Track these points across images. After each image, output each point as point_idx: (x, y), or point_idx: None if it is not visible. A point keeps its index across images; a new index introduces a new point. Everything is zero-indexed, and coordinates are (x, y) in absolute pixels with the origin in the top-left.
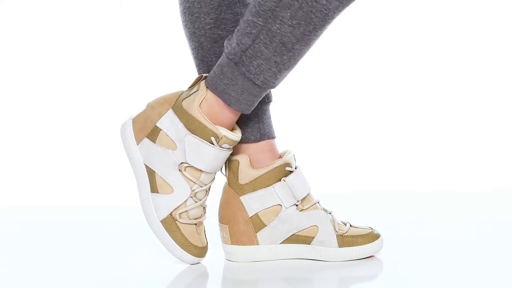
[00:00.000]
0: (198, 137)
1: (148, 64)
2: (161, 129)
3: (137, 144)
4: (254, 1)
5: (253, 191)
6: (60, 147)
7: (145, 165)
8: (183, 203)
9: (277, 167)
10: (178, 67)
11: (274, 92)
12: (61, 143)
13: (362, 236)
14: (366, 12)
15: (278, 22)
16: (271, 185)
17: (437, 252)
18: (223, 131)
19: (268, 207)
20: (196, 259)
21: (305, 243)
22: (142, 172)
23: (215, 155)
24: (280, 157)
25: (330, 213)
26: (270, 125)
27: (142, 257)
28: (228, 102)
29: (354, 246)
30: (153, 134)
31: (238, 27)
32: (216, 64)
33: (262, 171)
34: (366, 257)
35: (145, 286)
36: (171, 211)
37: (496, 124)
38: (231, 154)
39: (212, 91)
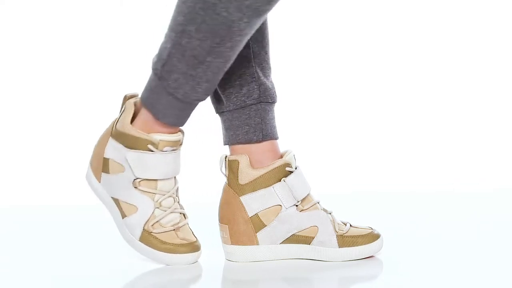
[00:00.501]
0: (137, 150)
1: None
2: (108, 159)
3: (99, 182)
4: (172, 15)
5: (253, 191)
6: (59, 147)
7: (111, 197)
8: (151, 216)
9: (277, 167)
10: None
11: (280, 92)
12: (60, 143)
13: (362, 236)
14: (366, 12)
15: (186, 36)
16: (271, 185)
17: (437, 253)
18: (158, 136)
19: (268, 207)
20: (189, 256)
21: (305, 243)
22: (111, 205)
23: (160, 160)
24: (281, 157)
25: (330, 213)
26: (273, 126)
27: (141, 258)
28: (156, 116)
29: (354, 246)
30: (105, 166)
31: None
32: (148, 79)
33: (262, 171)
34: (366, 257)
35: (145, 287)
36: (143, 227)
37: (496, 124)
38: (231, 154)
39: (143, 105)
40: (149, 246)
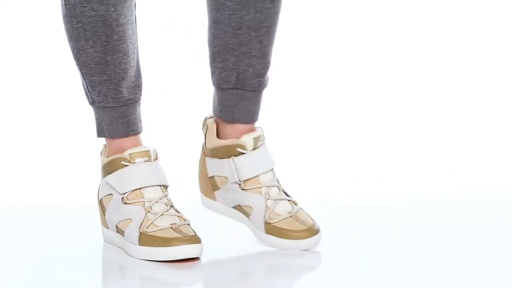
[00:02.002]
0: (114, 171)
1: (149, 64)
2: (101, 199)
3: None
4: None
5: (212, 157)
6: (59, 147)
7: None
8: (144, 219)
9: (229, 145)
10: (178, 67)
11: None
12: (59, 143)
13: (290, 230)
14: (367, 12)
15: (82, 52)
16: (222, 158)
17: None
18: (127, 151)
19: (219, 175)
20: (188, 248)
21: (246, 216)
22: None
23: (136, 170)
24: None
25: (296, 204)
26: (249, 111)
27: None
28: (108, 136)
29: (277, 236)
30: (102, 207)
31: None
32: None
33: (218, 144)
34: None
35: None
36: (139, 230)
37: (498, 128)
38: (210, 117)
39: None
40: (146, 245)
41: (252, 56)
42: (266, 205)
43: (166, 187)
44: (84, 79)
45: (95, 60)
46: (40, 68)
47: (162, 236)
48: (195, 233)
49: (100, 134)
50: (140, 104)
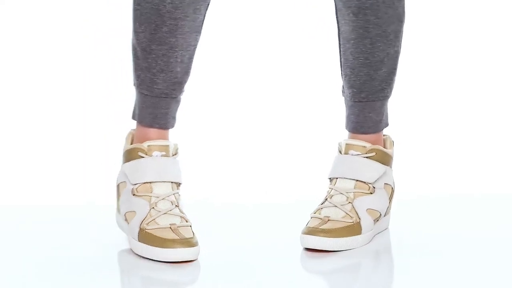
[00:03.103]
0: (132, 160)
1: None
2: (118, 185)
3: (120, 213)
4: None
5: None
6: (58, 147)
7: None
8: (147, 215)
9: (130, 149)
10: None
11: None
12: (58, 143)
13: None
14: None
15: (134, 34)
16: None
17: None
18: (146, 143)
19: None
20: (182, 251)
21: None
22: (124, 225)
23: (151, 163)
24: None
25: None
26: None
27: (140, 258)
28: (136, 119)
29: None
30: (118, 192)
31: None
32: None
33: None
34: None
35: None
36: (139, 225)
37: (498, 127)
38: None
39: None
40: (144, 243)
41: None
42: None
43: (178, 184)
44: (132, 59)
45: (142, 45)
46: (40, 68)
47: (159, 236)
48: (193, 235)
49: (133, 116)
50: (177, 101)
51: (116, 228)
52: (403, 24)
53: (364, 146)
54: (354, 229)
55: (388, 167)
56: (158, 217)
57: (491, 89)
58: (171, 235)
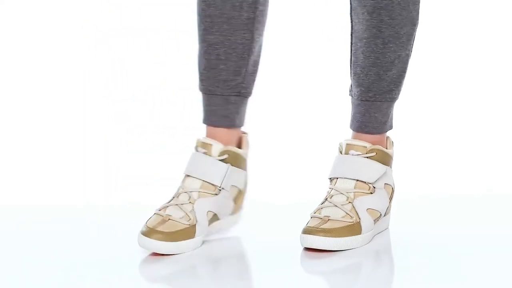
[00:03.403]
0: None
1: (150, 65)
2: None
3: None
4: None
5: None
6: (57, 148)
7: None
8: (166, 202)
9: None
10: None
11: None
12: (59, 143)
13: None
14: None
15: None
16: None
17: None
18: (198, 138)
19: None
20: (141, 239)
21: None
22: None
23: (191, 158)
24: None
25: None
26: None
27: (138, 258)
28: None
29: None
30: None
31: None
32: None
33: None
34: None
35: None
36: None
37: (499, 126)
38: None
39: None
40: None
41: None
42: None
43: (213, 185)
44: None
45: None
46: (41, 68)
47: (146, 222)
48: (180, 231)
49: None
50: (227, 99)
51: (116, 229)
52: (416, 28)
53: (365, 146)
54: (354, 229)
55: (388, 167)
56: (168, 206)
57: (491, 90)
58: (152, 224)
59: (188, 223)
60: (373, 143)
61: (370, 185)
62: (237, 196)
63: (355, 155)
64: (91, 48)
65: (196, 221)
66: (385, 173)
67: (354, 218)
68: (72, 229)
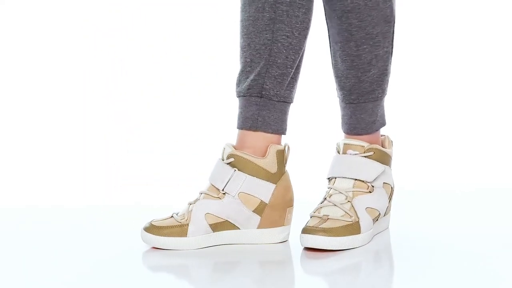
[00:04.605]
0: None
1: (150, 65)
2: None
3: None
4: None
5: None
6: (56, 148)
7: None
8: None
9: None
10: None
11: None
12: (59, 143)
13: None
14: None
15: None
16: None
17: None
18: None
19: None
20: (143, 234)
21: None
22: None
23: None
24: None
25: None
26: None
27: (138, 258)
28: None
29: None
30: None
31: None
32: None
33: None
34: None
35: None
36: None
37: (498, 123)
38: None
39: None
40: None
41: None
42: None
43: (216, 188)
44: None
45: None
46: (41, 68)
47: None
48: (162, 226)
49: None
50: (249, 101)
51: (115, 229)
52: (392, 25)
53: (362, 146)
54: (353, 228)
55: (387, 167)
56: (185, 209)
57: (490, 91)
58: (158, 223)
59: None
60: (370, 142)
61: (369, 184)
62: (259, 208)
63: (353, 154)
64: (91, 48)
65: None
66: (383, 172)
67: (353, 218)
68: (72, 229)
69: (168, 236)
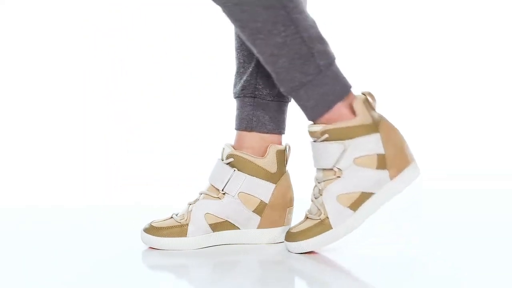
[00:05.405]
0: None
1: (150, 65)
2: None
3: None
4: None
5: None
6: (56, 149)
7: None
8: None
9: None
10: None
11: None
12: (59, 143)
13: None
14: (371, 13)
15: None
16: None
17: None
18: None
19: None
20: (141, 234)
21: None
22: None
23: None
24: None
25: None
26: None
27: (138, 258)
28: None
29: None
30: None
31: None
32: None
33: None
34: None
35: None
36: None
37: (497, 123)
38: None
39: None
40: None
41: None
42: None
43: (216, 188)
44: None
45: None
46: (41, 68)
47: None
48: (162, 227)
49: None
50: (243, 102)
51: (115, 229)
52: (278, 9)
53: (316, 131)
54: (323, 225)
55: (353, 139)
56: (184, 210)
57: (489, 92)
58: (157, 224)
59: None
60: (329, 121)
61: (335, 169)
62: (259, 208)
63: (312, 142)
64: (91, 48)
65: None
66: (346, 149)
67: (322, 215)
68: (72, 229)
69: (168, 237)
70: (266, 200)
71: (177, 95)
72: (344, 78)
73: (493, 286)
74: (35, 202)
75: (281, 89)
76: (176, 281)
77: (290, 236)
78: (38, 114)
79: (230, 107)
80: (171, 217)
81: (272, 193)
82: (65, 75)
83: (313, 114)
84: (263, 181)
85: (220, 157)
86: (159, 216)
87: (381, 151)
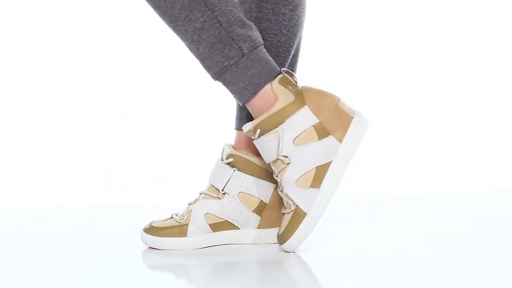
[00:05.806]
0: None
1: (150, 65)
2: None
3: None
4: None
5: None
6: (56, 149)
7: None
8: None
9: None
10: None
11: None
12: (59, 143)
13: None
14: (370, 13)
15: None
16: None
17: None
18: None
19: None
20: (141, 234)
21: None
22: None
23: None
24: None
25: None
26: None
27: (138, 258)
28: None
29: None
30: None
31: None
32: None
33: None
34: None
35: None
36: None
37: (496, 125)
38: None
39: None
40: None
41: None
42: None
43: (215, 188)
44: None
45: None
46: (41, 68)
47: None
48: (162, 227)
49: None
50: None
51: (115, 229)
52: None
53: (249, 130)
54: (298, 216)
55: (282, 124)
56: (184, 209)
57: (488, 93)
58: (157, 224)
59: (180, 222)
60: (259, 106)
61: (281, 158)
62: (259, 208)
63: (254, 141)
64: (91, 48)
65: (190, 220)
66: (280, 137)
67: (292, 206)
68: (72, 229)
69: (168, 237)
70: (266, 200)
71: (177, 95)
72: (270, 61)
73: (493, 286)
74: (35, 202)
75: (210, 75)
76: (176, 281)
77: (280, 238)
78: (38, 114)
79: (230, 107)
80: (171, 217)
81: (272, 193)
82: (65, 75)
83: (242, 98)
84: (263, 181)
85: (220, 157)
86: (159, 216)
87: (315, 120)
